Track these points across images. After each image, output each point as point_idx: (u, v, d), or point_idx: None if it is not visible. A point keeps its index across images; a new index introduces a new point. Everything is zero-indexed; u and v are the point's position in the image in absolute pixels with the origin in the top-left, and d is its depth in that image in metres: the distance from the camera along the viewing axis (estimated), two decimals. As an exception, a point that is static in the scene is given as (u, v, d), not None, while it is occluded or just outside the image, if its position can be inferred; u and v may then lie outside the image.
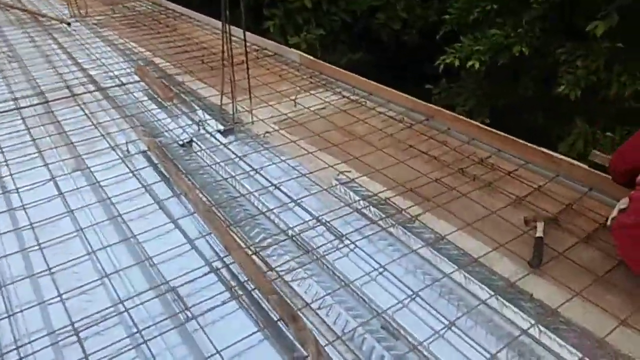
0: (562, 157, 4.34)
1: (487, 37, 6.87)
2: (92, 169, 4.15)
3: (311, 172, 4.13)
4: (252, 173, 4.11)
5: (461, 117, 4.94)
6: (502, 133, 4.63)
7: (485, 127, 4.76)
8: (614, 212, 3.29)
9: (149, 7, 9.34)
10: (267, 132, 4.74)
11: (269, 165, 4.22)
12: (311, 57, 6.35)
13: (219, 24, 8.00)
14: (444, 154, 4.49)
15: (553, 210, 3.79)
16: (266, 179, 4.01)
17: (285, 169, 4.22)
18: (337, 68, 6.03)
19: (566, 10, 6.53)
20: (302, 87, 5.82)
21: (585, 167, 4.19)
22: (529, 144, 4.54)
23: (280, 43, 8.65)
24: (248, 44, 6.71)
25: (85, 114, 5.06)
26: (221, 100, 5.05)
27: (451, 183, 4.07)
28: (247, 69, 4.93)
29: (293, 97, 5.49)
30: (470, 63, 6.58)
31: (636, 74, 5.91)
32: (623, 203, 3.22)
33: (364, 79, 5.72)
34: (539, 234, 3.50)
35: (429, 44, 9.13)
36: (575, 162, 4.26)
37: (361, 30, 8.97)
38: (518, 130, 7.94)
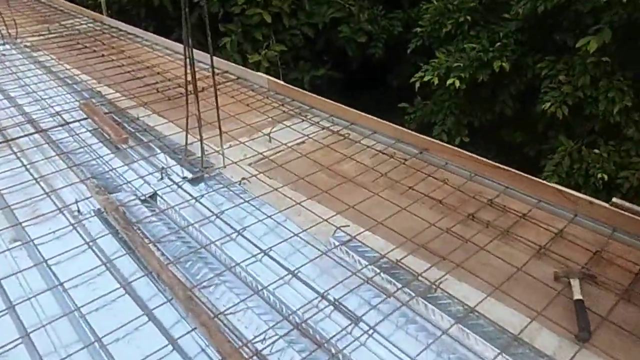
0: (578, 195, 3.92)
1: (465, 52, 6.46)
2: (35, 241, 3.38)
3: (303, 230, 3.52)
4: (233, 235, 3.45)
5: (460, 150, 4.45)
6: (507, 168, 4.18)
7: (489, 161, 4.30)
8: None
9: (90, 25, 8.41)
10: (243, 178, 4.09)
11: (253, 223, 3.58)
12: (280, 82, 5.73)
13: (172, 44, 7.32)
14: (447, 195, 3.99)
15: (580, 259, 3.36)
16: (252, 243, 3.37)
17: (271, 226, 3.60)
18: (311, 94, 5.45)
19: (545, 24, 6.22)
20: (275, 117, 5.20)
21: (606, 205, 3.79)
22: (540, 180, 4.11)
23: (237, 62, 8.01)
24: (205, 67, 6.07)
25: (23, 165, 4.24)
26: (186, 140, 4.36)
27: (464, 233, 3.57)
28: (217, 100, 4.28)
29: (266, 131, 4.86)
30: (450, 81, 6.15)
31: (624, 89, 5.65)
32: None
33: (344, 106, 5.16)
34: (577, 295, 3.04)
35: (396, 57, 8.72)
36: (595, 200, 3.86)
37: (324, 45, 8.43)
38: (498, 149, 7.67)
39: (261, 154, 4.49)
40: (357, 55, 8.27)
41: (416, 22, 8.34)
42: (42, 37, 7.61)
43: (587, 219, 3.78)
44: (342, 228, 3.53)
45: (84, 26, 8.35)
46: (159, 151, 4.46)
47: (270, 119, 5.15)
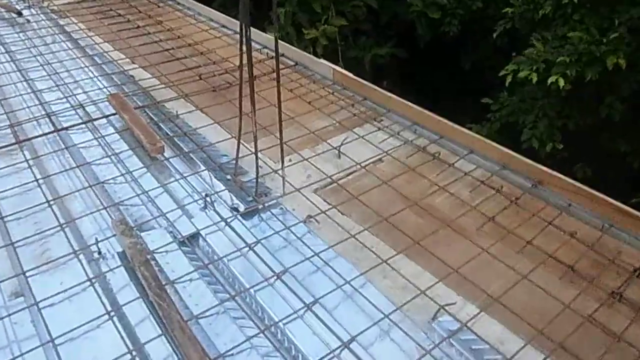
0: None
1: (569, 42, 5.29)
2: (40, 304, 2.56)
3: (395, 309, 2.60)
4: (301, 312, 2.56)
5: (584, 187, 3.41)
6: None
7: (626, 207, 3.26)
8: None
9: None
10: (309, 216, 3.16)
11: (325, 294, 2.66)
12: (349, 75, 4.70)
13: (218, 16, 6.27)
14: (579, 257, 2.99)
15: None
16: (325, 326, 2.48)
17: (348, 292, 2.69)
18: (388, 93, 4.41)
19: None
20: (343, 122, 4.22)
21: None
22: None
23: (291, 38, 6.97)
24: (256, 47, 5.10)
25: (35, 180, 3.39)
26: (237, 155, 3.44)
27: (611, 323, 2.60)
28: (279, 98, 3.33)
29: (334, 142, 3.90)
30: (552, 79, 5.03)
31: None
32: None
33: (432, 114, 4.11)
34: None
35: (472, 36, 7.52)
36: None
37: (389, 19, 7.29)
38: (595, 158, 6.54)
39: (330, 177, 3.54)
40: (428, 33, 7.14)
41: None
42: (71, 3, 6.63)
43: None
44: (446, 307, 2.60)
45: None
46: (202, 167, 3.56)
47: (337, 124, 4.18)
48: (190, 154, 3.67)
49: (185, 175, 3.48)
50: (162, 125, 4.00)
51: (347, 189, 3.45)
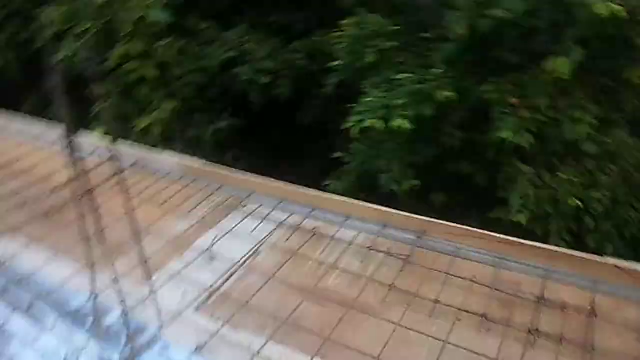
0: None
1: (400, 85, 5.51)
2: None
3: None
4: None
5: (468, 228, 3.42)
6: (544, 246, 3.23)
7: (513, 239, 3.33)
8: None
9: None
10: (198, 347, 2.68)
11: None
12: (197, 163, 4.31)
13: (29, 126, 5.40)
14: (487, 301, 2.92)
15: None
16: None
17: None
18: (244, 173, 4.12)
19: (486, 43, 5.47)
20: (205, 218, 3.80)
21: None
22: (592, 257, 3.19)
23: (117, 133, 6.32)
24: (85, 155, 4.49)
25: None
26: (93, 293, 2.83)
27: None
28: (132, 215, 2.84)
29: (203, 243, 3.47)
30: (396, 123, 5.15)
31: (586, 106, 5.03)
32: None
33: (299, 187, 3.89)
34: None
35: (305, 92, 7.59)
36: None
37: (218, 92, 7.06)
38: (444, 184, 6.85)
39: (209, 288, 3.09)
40: (260, 99, 7.03)
41: (321, 52, 7.31)
42: None
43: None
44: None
45: None
46: (51, 321, 2.88)
47: (199, 222, 3.75)
48: (32, 309, 2.97)
49: (30, 339, 2.78)
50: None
51: (233, 296, 3.03)
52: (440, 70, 5.39)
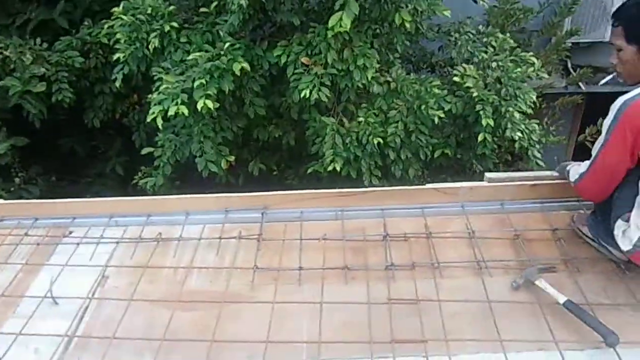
0: (455, 185, 3.59)
1: (193, 65, 5.35)
2: None
3: None
4: None
5: (314, 191, 3.60)
6: (383, 188, 3.56)
7: (351, 190, 3.59)
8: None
9: None
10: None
11: None
12: (2, 201, 3.75)
13: None
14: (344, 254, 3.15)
15: (507, 253, 3.10)
16: None
17: None
18: (63, 200, 3.70)
19: (265, 9, 5.55)
20: (32, 259, 3.37)
21: (485, 184, 3.56)
22: (419, 187, 3.61)
23: None
24: None
25: None
26: None
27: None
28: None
29: (41, 290, 3.09)
30: (200, 103, 4.99)
31: (368, 53, 5.49)
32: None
33: (122, 198, 3.64)
34: (560, 297, 2.72)
35: (88, 91, 6.96)
36: (476, 183, 3.59)
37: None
38: (255, 151, 6.95)
39: (64, 334, 2.79)
40: (41, 110, 6.24)
41: (97, 45, 6.74)
42: None
43: (476, 204, 3.50)
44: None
45: None
46: None
47: (24, 267, 3.30)
48: None
49: None
50: None
51: (96, 334, 2.79)
52: (229, 43, 5.39)
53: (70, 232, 3.54)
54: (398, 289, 2.91)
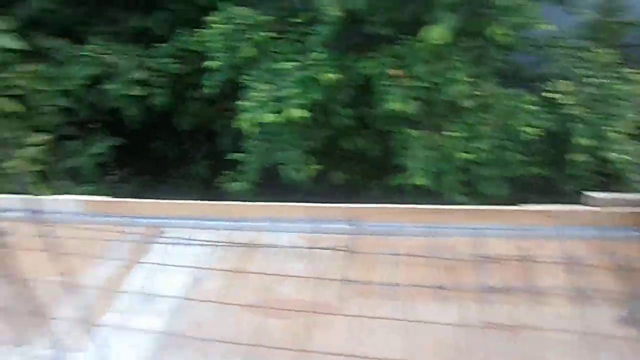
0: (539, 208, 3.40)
1: (284, 74, 5.46)
2: None
3: None
4: None
5: (410, 205, 3.53)
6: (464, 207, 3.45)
7: (448, 207, 3.51)
8: None
9: None
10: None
11: None
12: (101, 199, 3.96)
13: None
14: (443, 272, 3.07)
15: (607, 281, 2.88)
16: None
17: None
18: (159, 201, 3.86)
19: (357, 21, 5.56)
20: (129, 257, 3.52)
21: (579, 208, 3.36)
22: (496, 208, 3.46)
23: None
24: None
25: None
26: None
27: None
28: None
29: (135, 284, 3.22)
30: (296, 113, 5.10)
31: (459, 66, 5.37)
32: None
33: (219, 203, 3.75)
34: None
35: (178, 97, 7.25)
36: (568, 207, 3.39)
37: (88, 111, 6.43)
38: (341, 161, 6.98)
39: (158, 332, 2.89)
40: (135, 113, 6.58)
41: (190, 52, 7.02)
42: None
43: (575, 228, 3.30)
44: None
45: None
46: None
47: (122, 263, 3.45)
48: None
49: None
50: None
51: (187, 335, 2.86)
52: (320, 54, 5.44)
53: (163, 232, 3.66)
54: (493, 313, 2.79)
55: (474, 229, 3.39)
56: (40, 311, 2.64)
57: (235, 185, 5.98)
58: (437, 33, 4.66)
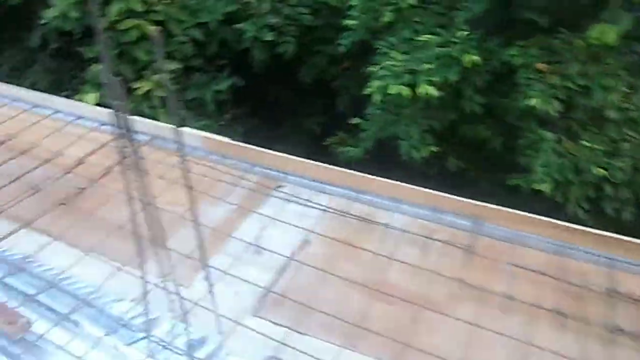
0: None
1: (422, 47, 5.18)
2: None
3: None
4: None
5: (524, 213, 3.24)
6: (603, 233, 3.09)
7: (578, 227, 3.17)
8: None
9: None
10: (272, 357, 2.48)
11: None
12: (227, 141, 3.99)
13: (24, 93, 4.81)
14: (559, 295, 2.79)
15: None
16: None
17: None
18: (276, 153, 3.81)
19: (512, 3, 5.14)
20: (242, 204, 3.52)
21: None
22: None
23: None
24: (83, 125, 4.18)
25: None
26: (145, 299, 2.58)
27: None
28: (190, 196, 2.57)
29: (246, 236, 3.21)
30: (422, 89, 4.85)
31: (618, 73, 4.83)
32: None
33: (336, 168, 3.64)
34: None
35: (306, 49, 7.16)
36: None
37: (217, 48, 6.55)
38: (460, 149, 6.67)
39: (262, 287, 2.86)
40: (264, 57, 6.60)
41: (327, 7, 6.86)
42: None
43: None
44: None
45: None
46: (97, 330, 2.61)
47: (235, 208, 3.46)
48: (72, 316, 2.68)
49: (78, 355, 2.51)
50: (9, 282, 2.89)
51: (290, 297, 2.82)
52: (464, 32, 5.08)
53: (280, 186, 3.62)
54: (617, 358, 2.49)
55: (607, 258, 3.05)
56: (158, 238, 2.67)
57: (349, 150, 5.85)
58: (604, 33, 4.16)
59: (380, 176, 3.62)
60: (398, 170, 5.45)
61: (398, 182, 3.47)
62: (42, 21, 5.79)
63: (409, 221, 3.29)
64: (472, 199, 3.36)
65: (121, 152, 2.18)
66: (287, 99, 7.80)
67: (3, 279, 2.90)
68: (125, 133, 2.20)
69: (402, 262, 3.01)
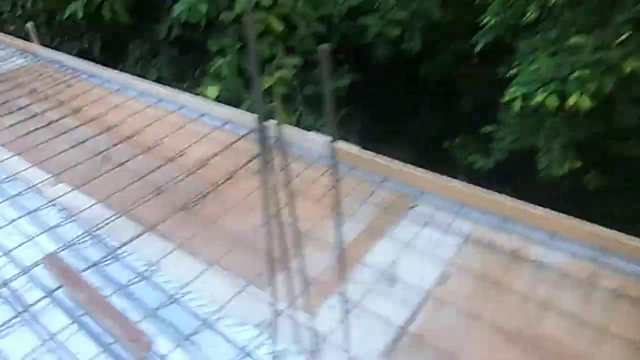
0: None
1: (573, 50, 4.56)
2: None
3: None
4: None
5: None
6: None
7: None
8: None
9: (20, 62, 5.87)
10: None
11: None
12: (354, 149, 3.69)
13: (152, 87, 4.87)
14: None
15: None
16: None
17: None
18: (414, 169, 3.45)
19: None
20: (372, 223, 3.21)
21: None
22: None
23: (239, 94, 5.77)
24: (207, 123, 4.06)
25: None
26: (274, 330, 2.36)
27: None
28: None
29: (377, 262, 2.90)
30: (572, 100, 4.26)
31: None
32: None
33: (480, 190, 3.21)
34: None
35: (431, 44, 6.69)
36: None
37: (337, 43, 6.31)
38: (605, 167, 5.95)
39: (396, 325, 2.54)
40: (386, 53, 6.24)
41: (460, 1, 6.33)
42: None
43: None
44: None
45: (12, 64, 5.85)
46: (221, 353, 2.43)
47: (365, 228, 3.16)
48: (193, 337, 2.52)
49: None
50: (134, 291, 2.79)
51: (426, 339, 2.47)
52: (627, 33, 4.38)
53: (414, 206, 3.27)
54: None
55: None
56: (282, 256, 2.43)
57: (481, 161, 5.34)
58: None
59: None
60: (528, 186, 4.91)
61: (555, 213, 2.99)
62: (173, 14, 5.82)
63: (568, 261, 2.81)
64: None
65: (263, 168, 1.99)
66: (406, 96, 7.39)
67: (127, 286, 2.81)
68: (271, 145, 2.03)
69: (559, 311, 2.55)
